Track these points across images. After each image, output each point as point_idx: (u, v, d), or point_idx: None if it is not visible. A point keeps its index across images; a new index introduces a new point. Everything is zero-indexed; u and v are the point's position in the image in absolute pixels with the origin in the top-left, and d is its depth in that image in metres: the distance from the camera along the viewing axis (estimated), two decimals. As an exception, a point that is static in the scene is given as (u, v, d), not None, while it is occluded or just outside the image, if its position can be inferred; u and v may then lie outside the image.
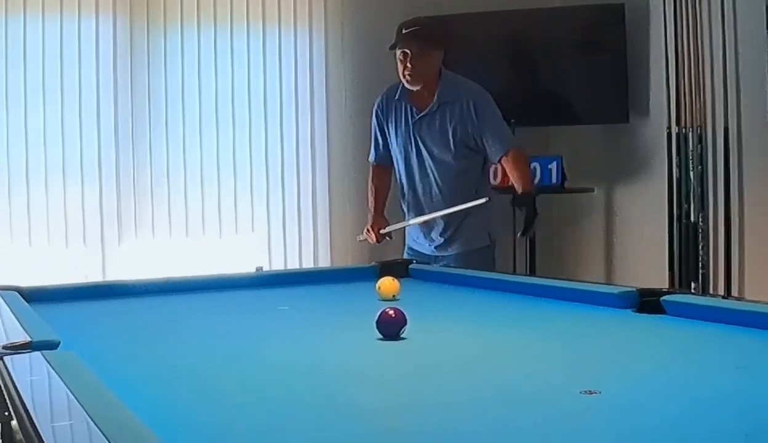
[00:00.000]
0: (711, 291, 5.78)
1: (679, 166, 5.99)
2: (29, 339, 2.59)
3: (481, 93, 5.11)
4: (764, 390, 2.20)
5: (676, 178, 6.01)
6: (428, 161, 5.14)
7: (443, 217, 5.09)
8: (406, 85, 5.09)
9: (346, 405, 2.19)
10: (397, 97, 5.18)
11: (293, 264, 6.43)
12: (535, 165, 6.42)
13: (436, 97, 5.05)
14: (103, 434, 1.60)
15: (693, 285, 5.87)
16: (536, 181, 6.40)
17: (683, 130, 5.96)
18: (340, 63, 6.53)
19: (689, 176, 5.92)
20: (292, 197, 6.48)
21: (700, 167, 5.87)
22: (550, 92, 6.49)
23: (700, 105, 5.86)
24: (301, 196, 6.50)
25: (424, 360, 2.74)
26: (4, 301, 3.48)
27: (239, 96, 6.35)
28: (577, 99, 6.47)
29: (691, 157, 5.91)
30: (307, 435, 1.92)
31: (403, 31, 4.99)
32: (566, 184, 6.52)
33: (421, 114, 5.12)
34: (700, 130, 5.86)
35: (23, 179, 5.82)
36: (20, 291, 3.85)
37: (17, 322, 2.96)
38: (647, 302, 3.34)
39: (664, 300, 3.29)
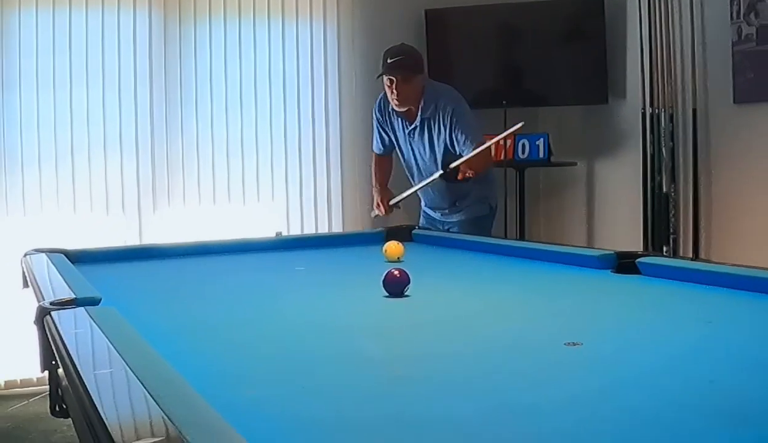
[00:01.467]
0: (681, 254, 5.78)
1: (652, 143, 5.98)
2: (74, 296, 2.59)
3: (454, 100, 5.04)
4: (727, 342, 2.19)
5: (650, 154, 5.99)
6: (423, 164, 5.14)
7: (449, 191, 5.10)
8: (395, 107, 5.07)
9: (356, 355, 2.19)
10: (390, 108, 5.16)
11: (309, 230, 6.42)
12: (525, 141, 6.43)
13: (419, 113, 5.03)
14: (139, 380, 1.60)
15: (665, 248, 5.86)
16: (524, 156, 6.42)
17: (656, 111, 5.94)
18: (350, 50, 6.51)
19: (662, 152, 5.91)
20: (308, 169, 6.47)
21: (671, 144, 5.86)
22: (538, 77, 6.47)
23: (671, 88, 5.84)
24: (317, 168, 6.50)
25: (425, 316, 2.73)
26: (52, 262, 3.49)
27: (261, 79, 6.34)
28: (562, 83, 6.44)
29: (663, 135, 5.89)
30: (320, 382, 1.91)
31: (389, 61, 4.93)
32: (552, 159, 6.51)
33: (410, 128, 5.11)
34: (672, 110, 5.85)
35: (68, 154, 5.84)
36: (66, 253, 3.86)
37: (63, 281, 2.97)
38: (624, 263, 3.34)
39: (639, 262, 3.29)
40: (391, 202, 5.29)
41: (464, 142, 4.89)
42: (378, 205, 5.36)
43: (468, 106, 5.09)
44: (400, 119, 5.15)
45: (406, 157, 5.26)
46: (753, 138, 5.39)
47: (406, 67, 4.91)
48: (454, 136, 4.92)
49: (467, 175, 4.65)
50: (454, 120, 4.91)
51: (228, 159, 6.25)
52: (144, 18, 5.98)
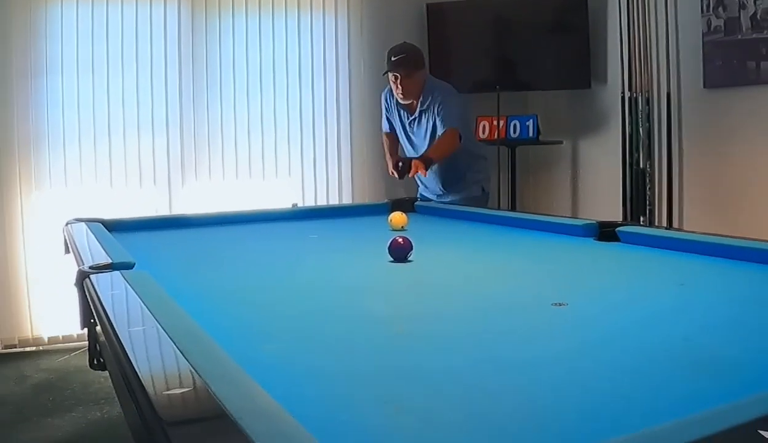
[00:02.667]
0: (656, 224, 5.78)
1: (630, 124, 5.97)
2: (110, 261, 2.59)
3: (445, 92, 4.98)
4: (699, 302, 2.19)
5: (629, 133, 5.98)
6: (420, 150, 5.08)
7: (440, 176, 5.04)
8: (400, 100, 5.05)
9: (363, 313, 2.18)
10: (395, 100, 5.13)
11: (322, 201, 6.42)
12: (516, 122, 6.43)
13: (418, 106, 5.00)
14: (169, 337, 1.60)
15: (642, 218, 5.86)
16: (515, 135, 6.41)
17: (634, 95, 5.93)
18: (359, 40, 6.49)
19: (639, 132, 5.90)
20: (321, 147, 6.47)
21: (647, 124, 5.84)
22: (528, 64, 6.44)
23: (647, 74, 5.83)
24: (328, 147, 6.49)
25: (426, 279, 2.72)
26: (91, 230, 3.49)
27: (279, 66, 6.32)
28: (549, 69, 6.43)
29: (640, 116, 5.88)
30: (332, 336, 1.91)
31: (392, 59, 4.91)
32: (540, 138, 6.50)
33: (410, 118, 5.08)
34: (648, 94, 5.83)
35: (106, 132, 5.84)
36: (103, 222, 3.86)
37: (101, 247, 2.97)
38: (605, 232, 3.33)
39: (618, 230, 3.28)
40: (401, 165, 5.30)
41: (441, 126, 4.86)
42: (392, 172, 5.36)
43: (459, 99, 5.04)
44: (402, 111, 5.12)
45: (405, 147, 5.23)
46: (721, 119, 5.38)
47: (408, 64, 4.89)
48: (438, 121, 4.88)
49: (418, 170, 4.66)
50: (440, 107, 4.87)
51: (249, 138, 6.25)
52: (174, 11, 5.99)
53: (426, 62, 5.17)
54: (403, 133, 5.20)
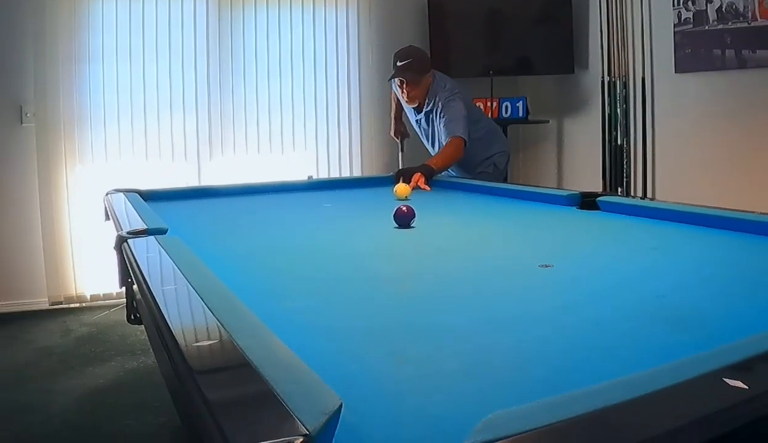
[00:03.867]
0: (632, 194, 5.77)
1: (609, 105, 5.95)
2: (146, 227, 2.59)
3: (447, 95, 4.70)
4: (672, 264, 2.18)
5: (608, 114, 5.97)
6: (431, 147, 4.92)
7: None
8: (406, 104, 4.86)
9: (372, 274, 2.18)
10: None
11: (334, 174, 6.41)
12: (507, 103, 6.40)
13: (425, 107, 4.80)
14: (198, 294, 1.60)
15: (620, 189, 5.85)
16: (506, 115, 6.39)
17: (613, 79, 5.91)
18: (368, 29, 6.46)
19: (617, 112, 5.88)
20: (333, 125, 6.45)
21: (624, 106, 5.82)
22: (518, 51, 6.41)
23: (625, 61, 5.80)
24: (340, 125, 6.47)
25: (427, 243, 2.72)
26: (128, 200, 3.49)
27: (296, 53, 6.29)
28: (537, 56, 6.39)
29: (618, 99, 5.86)
30: (342, 296, 1.91)
31: (398, 64, 4.65)
32: (529, 117, 6.48)
33: (418, 116, 4.90)
34: (625, 79, 5.80)
35: (141, 112, 5.84)
36: (140, 192, 3.86)
37: (137, 215, 2.96)
38: (587, 201, 3.33)
39: (599, 200, 3.27)
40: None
41: (445, 135, 4.63)
42: (393, 135, 5.31)
43: (460, 102, 4.72)
44: (410, 107, 4.93)
45: (420, 137, 5.05)
46: (690, 100, 5.35)
47: (413, 70, 4.63)
48: (442, 129, 4.66)
49: (418, 183, 4.22)
50: (442, 115, 4.66)
51: (269, 116, 6.23)
52: (202, 4, 5.99)
53: (430, 63, 4.86)
54: (416, 126, 5.03)
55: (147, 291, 1.71)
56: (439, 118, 4.70)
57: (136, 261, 2.05)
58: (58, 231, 5.62)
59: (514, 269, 2.20)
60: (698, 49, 5.17)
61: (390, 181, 4.39)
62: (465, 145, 4.58)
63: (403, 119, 5.29)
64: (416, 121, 4.98)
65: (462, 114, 4.66)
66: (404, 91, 4.73)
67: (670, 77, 5.45)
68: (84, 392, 4.04)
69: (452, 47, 6.50)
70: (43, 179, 5.56)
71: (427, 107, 4.80)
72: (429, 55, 4.87)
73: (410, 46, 4.89)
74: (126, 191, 3.84)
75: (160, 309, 1.51)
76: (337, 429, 0.98)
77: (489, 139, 5.01)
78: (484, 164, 4.93)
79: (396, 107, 5.27)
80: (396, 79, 4.73)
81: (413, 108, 4.91)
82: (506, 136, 6.42)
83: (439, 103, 4.70)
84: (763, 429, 0.99)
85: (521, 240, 2.76)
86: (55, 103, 5.54)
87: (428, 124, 4.88)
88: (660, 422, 0.93)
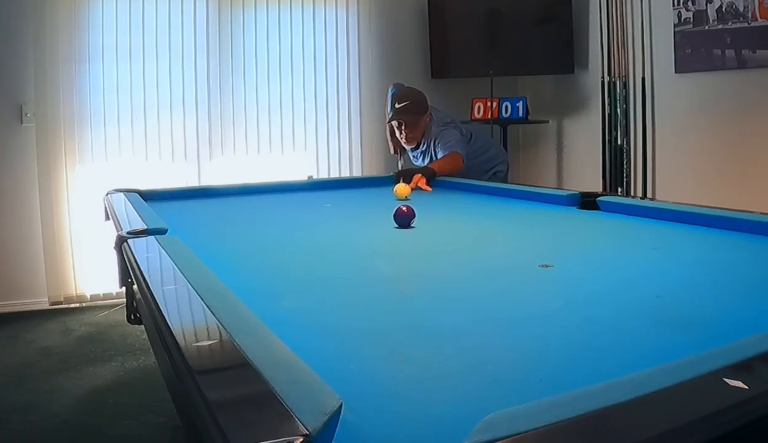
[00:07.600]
0: (632, 194, 5.77)
1: (609, 105, 5.95)
2: (146, 227, 2.60)
3: (440, 127, 4.71)
4: (672, 264, 2.17)
5: (608, 113, 5.97)
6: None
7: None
8: (404, 145, 4.85)
9: (372, 274, 2.17)
10: None
11: (334, 174, 6.42)
12: (507, 103, 6.40)
13: (421, 145, 4.79)
14: (198, 294, 1.59)
15: (619, 189, 5.85)
16: (506, 115, 6.39)
17: (613, 79, 5.91)
18: (368, 30, 6.46)
19: (617, 112, 5.88)
20: (333, 125, 6.45)
21: (624, 106, 5.83)
22: (518, 51, 6.41)
23: (625, 61, 5.80)
24: (340, 125, 6.47)
25: (427, 243, 2.72)
26: (128, 200, 3.49)
27: (296, 53, 6.29)
28: (537, 56, 6.39)
29: (618, 98, 5.87)
30: (342, 295, 1.90)
31: (396, 106, 4.66)
32: (529, 117, 6.49)
33: (414, 152, 4.88)
34: (625, 79, 5.81)
35: (141, 112, 5.85)
36: (140, 192, 3.86)
37: (137, 215, 2.96)
38: (587, 201, 3.34)
39: (599, 200, 3.28)
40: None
41: (440, 150, 4.63)
42: (394, 151, 5.33)
43: (453, 128, 4.75)
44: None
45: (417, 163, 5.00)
46: (690, 100, 5.36)
47: (411, 112, 4.65)
48: (440, 151, 4.63)
49: (419, 184, 4.24)
50: (437, 141, 4.65)
51: (269, 117, 6.24)
52: (202, 4, 6.00)
53: (428, 103, 4.80)
54: (411, 159, 5.00)
55: (147, 291, 1.70)
56: (436, 146, 4.69)
57: (136, 261, 2.05)
58: (58, 231, 5.62)
59: (514, 269, 2.19)
60: (698, 49, 5.17)
61: (390, 181, 4.39)
62: (463, 160, 4.58)
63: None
64: (413, 156, 4.97)
65: (457, 138, 4.69)
66: (402, 132, 4.74)
67: (670, 77, 5.46)
68: (84, 392, 4.04)
69: (452, 47, 6.50)
70: (43, 179, 5.56)
71: (423, 146, 4.81)
72: (426, 97, 4.80)
73: (408, 87, 4.92)
74: (126, 191, 3.84)
75: (160, 309, 1.51)
76: (337, 429, 0.98)
77: (490, 158, 5.01)
78: (485, 176, 4.92)
79: (390, 128, 5.26)
80: (395, 121, 4.75)
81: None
82: (506, 136, 6.44)
83: (436, 139, 4.69)
84: (763, 429, 0.99)
85: (521, 240, 2.76)
86: (55, 103, 5.54)
87: (424, 160, 4.86)
88: (660, 422, 0.93)
